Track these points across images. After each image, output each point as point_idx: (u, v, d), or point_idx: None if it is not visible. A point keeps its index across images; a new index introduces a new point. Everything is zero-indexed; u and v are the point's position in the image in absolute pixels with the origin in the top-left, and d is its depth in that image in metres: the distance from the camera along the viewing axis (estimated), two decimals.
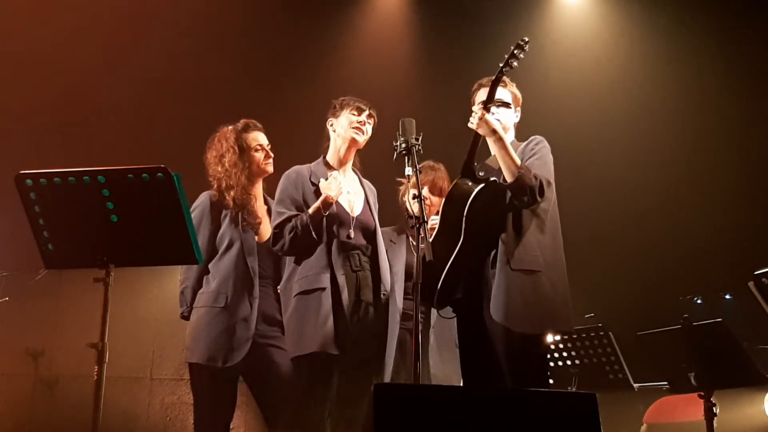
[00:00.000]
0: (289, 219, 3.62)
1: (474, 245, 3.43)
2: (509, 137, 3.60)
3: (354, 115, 3.85)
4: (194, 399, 3.96)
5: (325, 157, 3.90)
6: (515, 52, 3.38)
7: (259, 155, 3.99)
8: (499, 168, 3.48)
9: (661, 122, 6.58)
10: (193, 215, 4.01)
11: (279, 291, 3.84)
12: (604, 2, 7.02)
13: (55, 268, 3.12)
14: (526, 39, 3.39)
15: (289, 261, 3.72)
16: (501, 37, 6.43)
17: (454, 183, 3.54)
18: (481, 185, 3.44)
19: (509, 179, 3.34)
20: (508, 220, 3.42)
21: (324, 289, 3.55)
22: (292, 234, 3.58)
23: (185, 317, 4.02)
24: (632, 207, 6.42)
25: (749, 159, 6.29)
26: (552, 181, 3.47)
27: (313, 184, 3.76)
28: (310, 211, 3.62)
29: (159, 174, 2.81)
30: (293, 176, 3.78)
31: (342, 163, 3.89)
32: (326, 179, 3.73)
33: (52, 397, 6.25)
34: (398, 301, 4.32)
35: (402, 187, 4.51)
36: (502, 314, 3.33)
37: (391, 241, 4.49)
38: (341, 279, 3.60)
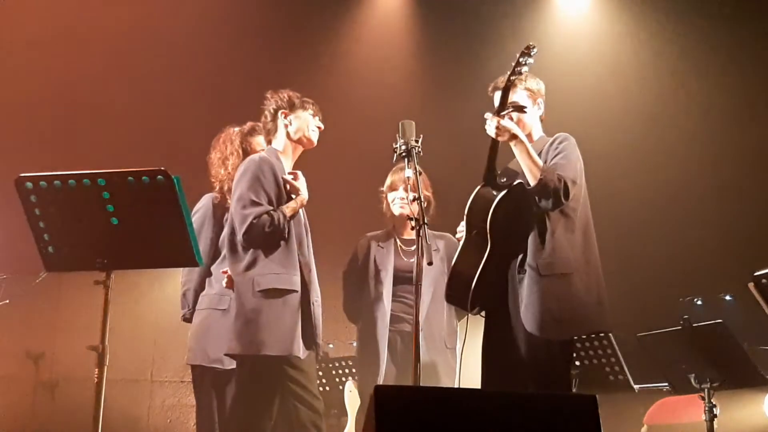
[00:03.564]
0: (266, 212, 3.50)
1: (502, 251, 3.40)
2: (536, 133, 3.58)
3: (315, 118, 3.78)
4: (197, 401, 3.95)
5: (277, 151, 3.75)
6: (521, 59, 3.32)
7: None
8: (523, 170, 3.45)
9: (661, 123, 6.58)
10: (195, 217, 4.00)
11: (230, 275, 3.66)
12: (605, 3, 7.02)
13: (55, 270, 3.12)
14: (532, 44, 3.33)
15: (246, 249, 3.55)
16: (502, 37, 6.46)
17: (476, 191, 3.49)
18: (504, 192, 3.41)
19: (532, 183, 3.31)
20: (535, 224, 3.37)
21: (297, 291, 3.51)
22: (270, 229, 3.47)
23: (187, 319, 4.01)
24: (632, 208, 6.41)
25: (750, 159, 6.28)
26: (578, 180, 3.40)
27: (278, 179, 3.64)
28: (288, 210, 3.55)
29: (159, 176, 2.82)
30: (265, 167, 3.60)
31: (293, 160, 3.78)
32: (287, 176, 3.64)
33: (52, 399, 6.26)
34: (386, 304, 4.33)
35: (386, 186, 4.50)
36: (536, 326, 3.28)
37: (379, 245, 4.50)
38: (308, 281, 3.58)
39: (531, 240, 3.36)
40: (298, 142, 3.75)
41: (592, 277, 3.39)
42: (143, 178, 2.83)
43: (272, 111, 3.76)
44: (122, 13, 6.61)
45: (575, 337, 4.42)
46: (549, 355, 3.31)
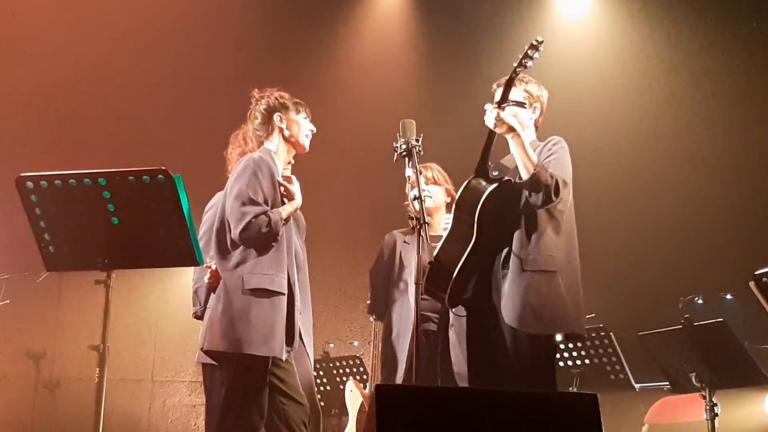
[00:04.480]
0: (263, 212, 3.45)
1: (486, 245, 3.41)
2: (529, 136, 3.58)
3: (307, 120, 3.74)
4: (207, 400, 3.94)
5: (271, 152, 3.67)
6: (529, 52, 3.33)
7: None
8: (514, 167, 3.45)
9: (660, 124, 6.58)
10: (209, 214, 3.99)
11: (213, 271, 3.57)
12: (605, 4, 7.02)
13: (56, 270, 3.12)
14: (540, 39, 3.34)
15: (234, 247, 3.50)
16: (501, 37, 6.46)
17: (467, 183, 3.50)
18: (494, 185, 3.42)
19: (525, 177, 3.32)
20: (522, 220, 3.39)
21: (284, 294, 3.47)
22: (266, 230, 3.42)
23: (198, 317, 3.98)
24: (633, 207, 6.42)
25: (750, 159, 6.29)
26: (569, 182, 3.42)
27: (274, 180, 3.60)
28: (284, 213, 3.51)
29: (160, 176, 2.82)
30: (263, 167, 3.55)
31: (285, 163, 3.73)
32: (281, 178, 3.62)
33: (53, 399, 6.26)
34: (411, 302, 4.31)
35: (407, 187, 4.49)
36: (515, 317, 3.31)
37: (405, 242, 4.49)
38: (293, 285, 3.55)
39: (517, 235, 3.38)
40: (293, 145, 3.72)
41: (573, 280, 3.42)
42: (144, 177, 2.83)
43: (265, 112, 3.72)
44: (124, 12, 6.62)
45: (573, 335, 4.46)
46: (532, 352, 3.33)
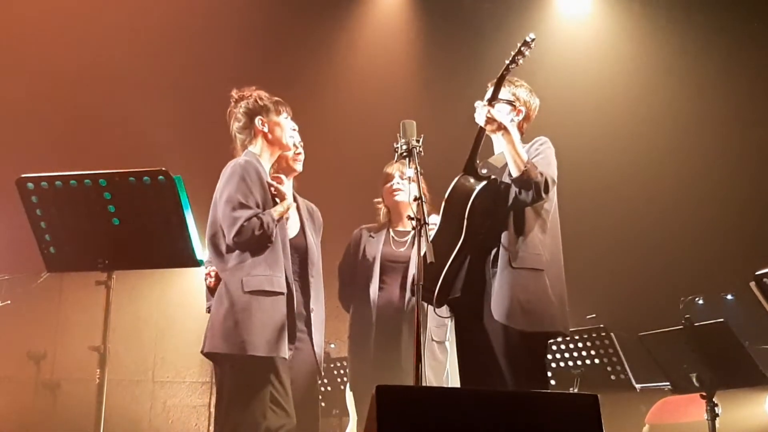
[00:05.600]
0: (255, 215, 3.47)
1: (475, 244, 3.43)
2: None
3: (289, 119, 3.76)
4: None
5: (256, 155, 3.69)
6: (522, 49, 3.36)
7: (290, 152, 3.89)
8: (502, 166, 3.47)
9: (661, 123, 6.59)
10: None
11: (216, 276, 3.57)
12: (606, 3, 7.03)
13: (56, 271, 3.13)
14: (533, 36, 3.37)
15: (230, 251, 3.52)
16: (501, 37, 6.46)
17: (455, 180, 3.51)
18: (483, 183, 3.44)
19: (515, 174, 3.34)
20: (510, 218, 3.41)
21: (283, 293, 3.50)
22: (260, 232, 3.44)
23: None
24: (634, 208, 6.43)
25: (750, 159, 6.29)
26: (555, 180, 3.46)
27: (263, 182, 3.63)
28: (276, 214, 3.54)
29: (160, 177, 2.83)
30: (251, 170, 3.56)
31: (270, 164, 3.75)
32: (270, 179, 3.65)
33: (54, 400, 6.26)
34: (372, 292, 4.36)
35: (382, 180, 4.53)
36: (504, 313, 3.32)
37: (370, 235, 4.55)
38: (294, 285, 3.58)
39: (506, 234, 3.40)
40: (277, 146, 3.74)
41: (558, 279, 3.45)
42: (144, 178, 2.84)
43: (245, 115, 3.72)
44: (125, 12, 6.62)
45: (571, 337, 4.46)
46: (522, 350, 3.33)
